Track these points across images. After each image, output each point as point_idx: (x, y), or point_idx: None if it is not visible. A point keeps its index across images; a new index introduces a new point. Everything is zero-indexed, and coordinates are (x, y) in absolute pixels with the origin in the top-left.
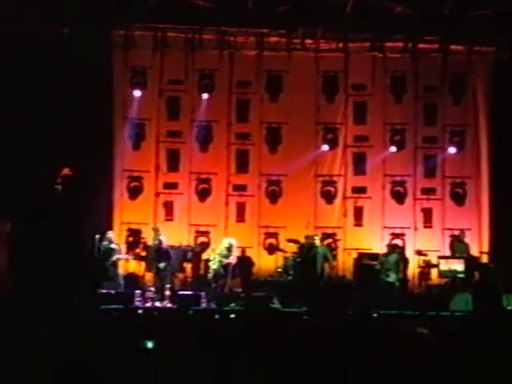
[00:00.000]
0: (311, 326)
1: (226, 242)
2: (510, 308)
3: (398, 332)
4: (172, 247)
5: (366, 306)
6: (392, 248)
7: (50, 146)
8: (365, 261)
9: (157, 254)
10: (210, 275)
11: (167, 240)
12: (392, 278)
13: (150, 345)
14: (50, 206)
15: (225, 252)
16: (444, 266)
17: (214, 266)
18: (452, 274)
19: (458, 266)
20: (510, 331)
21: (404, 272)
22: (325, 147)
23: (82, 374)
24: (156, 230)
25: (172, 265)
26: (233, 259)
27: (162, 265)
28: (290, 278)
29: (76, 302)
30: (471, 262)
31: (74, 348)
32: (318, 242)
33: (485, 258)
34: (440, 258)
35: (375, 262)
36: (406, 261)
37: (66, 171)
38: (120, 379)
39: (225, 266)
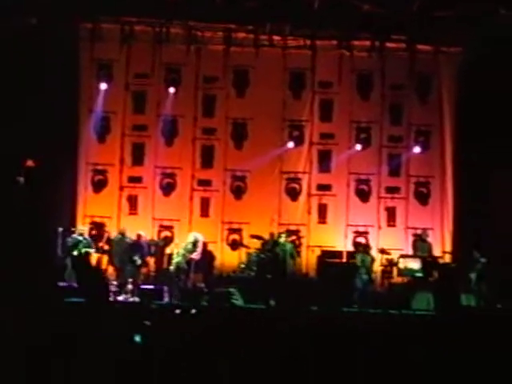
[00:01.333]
0: (276, 323)
1: (191, 237)
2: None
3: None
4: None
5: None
6: (363, 247)
7: (14, 137)
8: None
9: (132, 248)
10: (172, 268)
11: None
12: (365, 277)
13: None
14: (13, 198)
15: (190, 247)
16: (402, 264)
17: (176, 259)
18: (410, 272)
19: (416, 264)
20: (468, 330)
21: (371, 270)
22: (290, 144)
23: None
24: (123, 233)
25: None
26: (196, 255)
27: (137, 259)
28: (253, 273)
29: (37, 293)
30: (429, 262)
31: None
32: (283, 239)
33: (447, 258)
34: (402, 256)
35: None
36: (373, 260)
37: (29, 163)
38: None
39: (188, 261)
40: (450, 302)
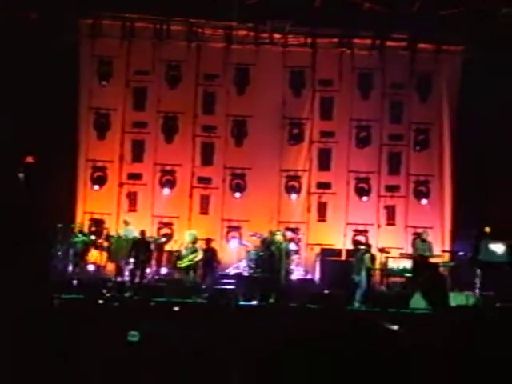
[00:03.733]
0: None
1: (190, 236)
2: (455, 305)
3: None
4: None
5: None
6: (366, 246)
7: (14, 133)
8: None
9: (135, 246)
10: (182, 275)
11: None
12: (363, 275)
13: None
14: (12, 194)
15: (191, 247)
16: (393, 264)
17: (182, 264)
18: (400, 272)
19: (407, 264)
20: (457, 329)
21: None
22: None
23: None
24: (126, 223)
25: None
26: (201, 255)
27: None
28: (252, 271)
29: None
30: (419, 262)
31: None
32: (279, 237)
33: (446, 257)
34: (389, 257)
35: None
36: (373, 258)
37: (29, 159)
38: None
39: (194, 265)
40: (438, 301)
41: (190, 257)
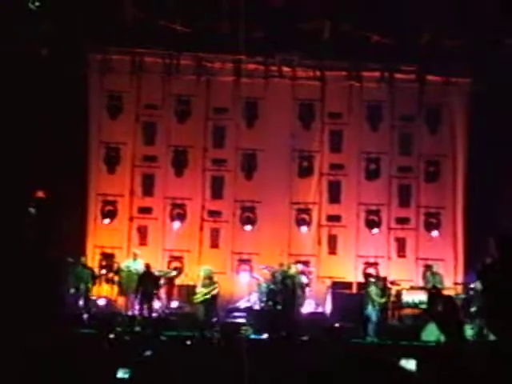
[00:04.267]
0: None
1: (205, 272)
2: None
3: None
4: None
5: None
6: (376, 278)
7: (25, 168)
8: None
9: (142, 280)
10: (193, 309)
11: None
12: (377, 307)
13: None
14: (24, 229)
15: (207, 281)
16: (407, 296)
17: (199, 299)
18: (414, 304)
19: (422, 296)
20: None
21: (386, 302)
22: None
23: None
24: (135, 256)
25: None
26: (217, 289)
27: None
28: (263, 305)
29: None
30: (433, 293)
31: None
32: (293, 270)
33: (458, 289)
34: (403, 289)
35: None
36: (386, 291)
37: (39, 194)
38: None
39: (209, 299)
40: (453, 333)
41: (206, 291)
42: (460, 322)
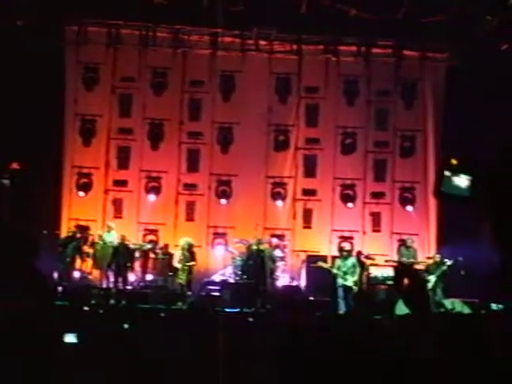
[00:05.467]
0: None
1: (185, 243)
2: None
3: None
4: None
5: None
6: (349, 252)
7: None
8: (319, 264)
9: (117, 252)
10: (166, 282)
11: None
12: (349, 281)
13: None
14: None
15: (187, 254)
16: (376, 271)
17: (182, 277)
18: (383, 280)
19: (390, 272)
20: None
21: (360, 276)
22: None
23: None
24: (109, 228)
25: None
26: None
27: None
28: (237, 278)
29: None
30: (400, 269)
31: None
32: (264, 244)
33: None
34: (371, 265)
35: (328, 265)
36: (362, 265)
37: (14, 165)
38: None
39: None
40: (419, 307)
41: (187, 266)
42: (426, 297)
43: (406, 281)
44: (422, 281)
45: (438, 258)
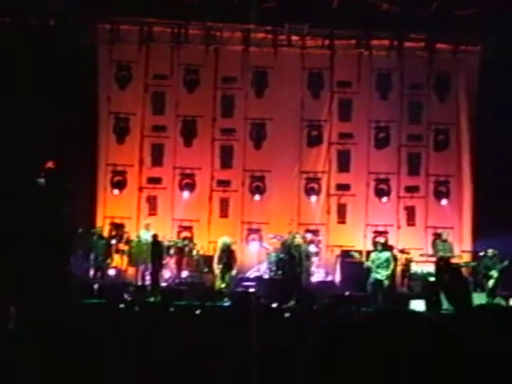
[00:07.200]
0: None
1: (222, 244)
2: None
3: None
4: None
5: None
6: (383, 246)
7: (34, 139)
8: (352, 253)
9: (153, 249)
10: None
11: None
12: (382, 275)
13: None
14: (33, 199)
15: (224, 256)
16: (416, 267)
17: (223, 286)
18: (423, 275)
19: (430, 268)
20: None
21: (394, 270)
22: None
23: None
24: (147, 226)
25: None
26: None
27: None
28: (272, 274)
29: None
30: (441, 265)
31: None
32: (299, 239)
33: (466, 257)
34: (411, 261)
35: (361, 259)
36: (395, 259)
37: (49, 164)
38: None
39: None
40: (461, 303)
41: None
42: (467, 292)
43: (447, 276)
44: (463, 276)
45: (490, 252)
